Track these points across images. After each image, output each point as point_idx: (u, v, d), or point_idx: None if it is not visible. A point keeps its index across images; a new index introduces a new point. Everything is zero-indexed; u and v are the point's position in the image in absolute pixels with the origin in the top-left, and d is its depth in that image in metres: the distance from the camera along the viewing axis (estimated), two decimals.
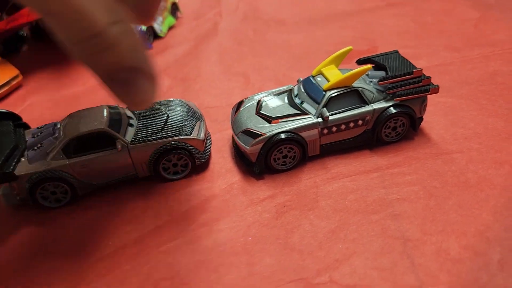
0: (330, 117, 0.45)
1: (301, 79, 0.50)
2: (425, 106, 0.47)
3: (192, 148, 0.46)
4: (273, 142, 0.44)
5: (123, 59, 0.29)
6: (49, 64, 0.74)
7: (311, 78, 0.48)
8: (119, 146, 0.44)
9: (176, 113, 0.49)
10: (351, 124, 0.46)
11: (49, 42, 0.80)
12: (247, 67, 0.65)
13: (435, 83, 0.47)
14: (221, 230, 0.41)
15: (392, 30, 0.71)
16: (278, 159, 0.46)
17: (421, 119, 0.48)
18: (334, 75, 0.47)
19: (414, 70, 0.46)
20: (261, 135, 0.44)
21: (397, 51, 0.50)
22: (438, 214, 0.40)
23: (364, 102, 0.46)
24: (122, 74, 0.30)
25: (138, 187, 0.47)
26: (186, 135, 0.46)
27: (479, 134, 0.48)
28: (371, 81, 0.47)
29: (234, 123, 0.48)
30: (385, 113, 0.46)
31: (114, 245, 0.42)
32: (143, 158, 0.45)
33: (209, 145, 0.49)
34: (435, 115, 0.51)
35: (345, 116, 0.46)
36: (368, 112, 0.46)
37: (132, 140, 0.45)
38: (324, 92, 0.46)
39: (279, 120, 0.45)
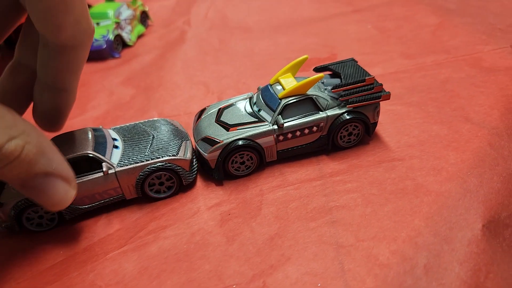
0: (285, 124, 0.47)
1: (261, 87, 0.51)
2: (378, 112, 0.49)
3: (179, 168, 0.46)
4: (230, 149, 0.46)
5: (30, 168, 0.32)
6: None
7: (268, 87, 0.50)
8: (106, 169, 0.44)
9: (162, 133, 0.49)
10: (306, 131, 0.48)
11: None
12: (208, 75, 0.67)
13: (387, 90, 0.49)
14: (167, 237, 0.43)
15: (353, 36, 0.72)
16: (236, 165, 0.47)
17: (375, 124, 0.50)
18: (289, 83, 0.49)
19: (366, 78, 0.48)
20: (218, 142, 0.46)
21: (352, 59, 0.52)
22: (373, 220, 0.42)
23: (318, 109, 0.48)
24: (34, 181, 0.32)
25: None
26: (173, 155, 0.46)
27: (422, 141, 0.50)
28: (325, 89, 0.49)
29: (195, 130, 0.49)
30: (338, 119, 0.48)
31: (65, 253, 0.43)
32: (130, 180, 0.45)
33: (195, 164, 0.49)
34: (383, 123, 0.53)
35: (300, 123, 0.48)
36: (322, 118, 0.48)
37: (118, 163, 0.45)
38: (279, 100, 0.47)
39: (237, 128, 0.47)
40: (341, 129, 0.48)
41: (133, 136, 0.49)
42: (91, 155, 0.44)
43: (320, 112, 0.48)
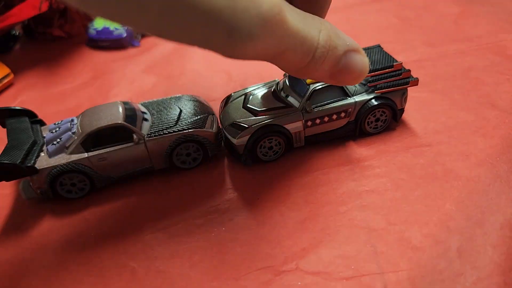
0: (314, 110, 0.47)
1: (287, 73, 0.51)
2: (405, 98, 0.49)
3: (205, 140, 0.48)
4: (259, 134, 0.46)
5: (336, 54, 0.32)
6: (39, 63, 0.75)
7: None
8: (136, 139, 0.46)
9: (189, 107, 0.51)
10: (334, 116, 0.48)
11: (40, 41, 0.82)
12: (230, 63, 0.66)
13: (415, 76, 0.49)
14: (196, 221, 0.43)
15: (374, 25, 0.72)
16: (264, 150, 0.47)
17: (402, 110, 0.50)
18: None
19: (394, 64, 0.48)
20: (247, 127, 0.46)
21: (379, 46, 0.52)
22: (404, 205, 0.42)
23: (346, 95, 0.48)
24: (339, 65, 0.33)
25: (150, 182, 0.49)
26: (200, 127, 0.48)
27: (449, 127, 0.49)
28: None
29: (223, 116, 0.49)
30: (366, 105, 0.48)
31: (96, 235, 0.44)
32: (159, 151, 0.48)
33: (220, 137, 0.50)
34: (409, 109, 0.53)
35: (328, 108, 0.47)
36: (350, 104, 0.48)
37: (148, 134, 0.47)
38: (308, 86, 0.47)
39: (265, 113, 0.47)
40: (369, 115, 0.48)
41: (161, 109, 0.51)
42: (122, 125, 0.46)
43: (348, 98, 0.48)
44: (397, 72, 0.47)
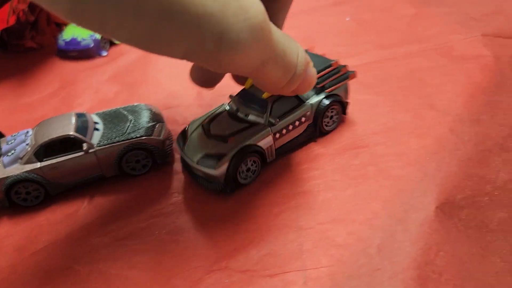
0: (279, 121, 0.48)
1: (233, 95, 0.52)
2: (347, 91, 0.53)
3: (153, 148, 0.51)
4: (238, 158, 0.46)
5: (306, 69, 0.37)
6: (10, 74, 0.78)
7: (247, 91, 0.50)
8: (86, 149, 0.49)
9: (139, 116, 0.54)
10: (297, 123, 0.50)
11: (13, 52, 0.84)
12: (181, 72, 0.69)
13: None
14: (141, 222, 0.46)
15: (332, 29, 0.74)
16: (244, 174, 0.47)
17: (347, 103, 0.53)
18: None
19: (331, 63, 0.51)
20: (225, 154, 0.45)
21: (307, 50, 0.54)
22: (333, 204, 0.44)
23: (300, 100, 0.51)
24: (306, 79, 0.37)
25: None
26: (148, 136, 0.51)
27: (387, 129, 0.52)
28: None
29: (187, 152, 0.48)
30: (321, 105, 0.51)
31: (47, 240, 0.46)
32: (108, 159, 0.50)
33: (169, 145, 0.53)
34: (353, 112, 0.55)
35: (291, 117, 0.49)
36: (307, 108, 0.51)
37: (98, 143, 0.50)
38: (265, 100, 0.48)
39: (234, 137, 0.47)
40: (325, 114, 0.51)
41: (113, 119, 0.54)
42: (72, 136, 0.49)
43: (304, 103, 0.50)
44: (337, 69, 0.51)
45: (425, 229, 0.41)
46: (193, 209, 0.46)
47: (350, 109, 0.54)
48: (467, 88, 0.56)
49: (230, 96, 0.52)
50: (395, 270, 0.38)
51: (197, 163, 0.46)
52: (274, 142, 0.49)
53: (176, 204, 0.48)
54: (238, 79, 0.48)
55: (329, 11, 0.79)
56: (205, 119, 0.50)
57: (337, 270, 0.38)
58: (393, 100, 0.56)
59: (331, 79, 0.51)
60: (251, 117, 0.49)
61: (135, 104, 0.56)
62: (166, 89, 0.66)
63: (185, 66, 0.69)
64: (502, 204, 0.47)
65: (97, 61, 0.77)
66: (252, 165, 0.47)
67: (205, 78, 0.44)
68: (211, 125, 0.49)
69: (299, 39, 0.72)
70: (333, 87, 0.51)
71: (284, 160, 0.50)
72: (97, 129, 0.52)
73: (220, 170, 0.45)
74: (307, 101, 0.50)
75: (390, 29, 0.70)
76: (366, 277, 0.38)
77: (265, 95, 0.48)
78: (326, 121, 0.52)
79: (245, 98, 0.50)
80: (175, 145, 0.53)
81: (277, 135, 0.49)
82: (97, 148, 0.50)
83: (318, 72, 0.50)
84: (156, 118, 0.54)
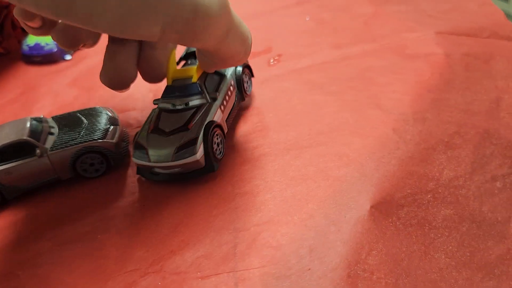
0: (217, 94, 0.51)
1: (157, 99, 0.52)
2: None
3: (107, 151, 0.52)
4: (210, 136, 0.47)
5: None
6: None
7: (173, 85, 0.51)
8: (39, 153, 0.50)
9: (94, 119, 0.55)
10: (229, 93, 0.53)
11: None
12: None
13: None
14: (85, 226, 0.47)
15: (291, 29, 0.75)
16: (217, 149, 0.49)
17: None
18: (188, 70, 0.51)
19: None
20: (196, 137, 0.46)
21: None
22: (271, 205, 0.45)
23: (222, 74, 0.54)
24: None
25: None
26: (101, 139, 0.52)
27: (332, 129, 0.52)
28: None
29: (156, 159, 0.47)
30: (237, 73, 0.55)
31: None
32: (62, 162, 0.51)
33: (124, 147, 0.55)
34: (300, 113, 0.55)
35: (224, 89, 0.52)
36: (230, 78, 0.54)
37: (51, 147, 0.51)
38: (197, 83, 0.50)
39: (191, 122, 0.48)
40: (243, 78, 0.55)
41: (68, 123, 0.55)
42: (25, 140, 0.50)
43: (225, 76, 0.54)
44: None
45: (358, 229, 0.42)
46: (136, 212, 0.47)
47: (299, 109, 0.55)
48: (415, 86, 0.57)
49: (156, 101, 0.52)
50: (324, 269, 0.39)
51: (173, 160, 0.46)
52: (222, 114, 0.51)
53: (122, 208, 0.48)
54: (150, 77, 0.52)
55: (291, 11, 0.80)
56: (149, 128, 0.49)
57: (267, 271, 0.39)
58: (341, 99, 0.56)
59: None
60: (193, 103, 0.50)
61: (92, 107, 0.58)
62: (124, 92, 0.66)
63: None
64: (446, 201, 0.48)
65: (60, 65, 0.78)
66: (217, 139, 0.49)
67: (118, 79, 0.49)
68: (160, 127, 0.49)
69: (257, 40, 0.73)
70: None
71: (228, 160, 0.51)
72: (51, 133, 0.53)
73: (199, 152, 0.46)
74: (226, 73, 0.54)
75: (347, 29, 0.71)
76: (295, 277, 0.39)
77: (194, 79, 0.50)
78: (245, 85, 0.56)
79: (174, 91, 0.50)
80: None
81: (222, 108, 0.51)
82: (50, 152, 0.50)
83: None
84: (111, 121, 0.55)
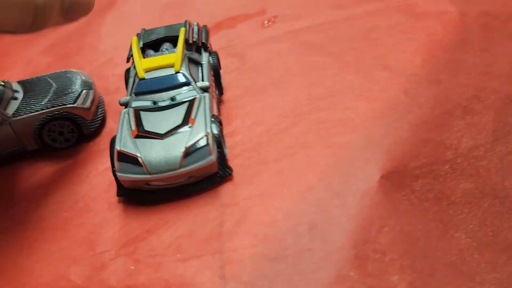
0: (206, 83, 0.42)
1: (122, 99, 0.43)
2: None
3: (78, 117, 0.46)
4: (217, 131, 0.38)
5: None
6: None
7: (148, 80, 0.41)
8: (0, 120, 0.44)
9: (63, 83, 0.48)
10: (212, 81, 0.45)
11: None
12: (128, 41, 0.63)
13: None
14: (48, 205, 0.40)
15: None
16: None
17: None
18: (165, 58, 0.42)
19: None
20: (205, 135, 0.37)
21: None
22: (265, 177, 0.39)
23: (197, 62, 0.46)
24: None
25: None
26: (70, 104, 0.45)
27: (333, 92, 0.46)
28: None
29: (151, 165, 0.36)
30: (212, 61, 0.47)
31: None
32: (27, 130, 0.45)
33: (99, 114, 0.48)
34: (296, 75, 0.49)
35: (207, 77, 0.44)
36: (206, 65, 0.46)
37: (13, 113, 0.45)
38: (179, 73, 0.41)
39: (191, 117, 0.38)
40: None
41: (35, 87, 0.48)
42: None
43: (202, 62, 0.46)
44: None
45: (366, 202, 0.36)
46: (110, 188, 0.41)
47: (294, 71, 0.49)
48: (427, 46, 0.50)
49: (124, 100, 0.42)
50: (327, 250, 0.33)
51: (183, 166, 0.36)
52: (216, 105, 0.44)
53: (94, 183, 0.42)
54: None
55: None
56: (130, 133, 0.38)
57: (259, 252, 0.33)
58: (343, 61, 0.50)
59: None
60: (180, 96, 0.40)
61: (64, 70, 0.51)
62: (102, 58, 0.60)
63: (127, 34, 0.63)
64: (466, 173, 0.42)
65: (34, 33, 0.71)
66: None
67: None
68: (148, 129, 0.38)
69: (251, 2, 0.67)
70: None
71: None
72: (15, 98, 0.47)
73: (214, 152, 0.37)
74: (202, 60, 0.46)
75: None
76: (292, 259, 0.33)
77: (176, 69, 0.41)
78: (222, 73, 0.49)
79: (151, 86, 0.41)
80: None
81: (213, 95, 0.44)
82: (13, 119, 0.44)
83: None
84: (85, 85, 0.48)
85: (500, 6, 0.58)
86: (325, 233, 0.34)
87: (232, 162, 0.40)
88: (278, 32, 0.58)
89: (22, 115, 0.45)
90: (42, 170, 0.45)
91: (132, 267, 0.33)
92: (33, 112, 0.45)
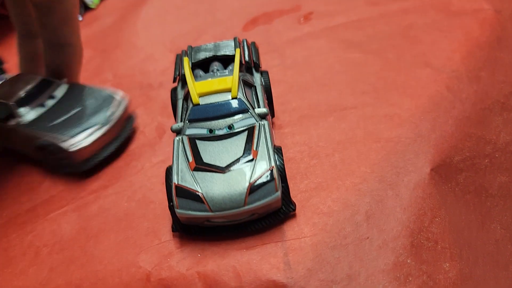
0: (264, 109, 0.39)
1: (176, 126, 0.38)
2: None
3: (62, 157, 0.45)
4: (280, 165, 0.35)
5: None
6: None
7: (202, 106, 0.38)
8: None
9: (86, 109, 0.47)
10: (266, 103, 0.42)
11: None
12: (168, 34, 0.64)
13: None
14: (108, 196, 0.42)
15: None
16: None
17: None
18: (221, 82, 0.39)
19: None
20: (270, 169, 0.34)
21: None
22: (318, 171, 0.40)
23: (250, 84, 0.42)
24: None
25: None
26: (63, 142, 0.43)
27: (377, 88, 0.48)
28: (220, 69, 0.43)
29: (213, 202, 0.33)
30: (264, 81, 0.44)
31: (7, 215, 0.42)
32: (28, 143, 0.46)
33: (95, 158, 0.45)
34: (339, 71, 0.51)
35: (262, 101, 0.41)
36: (260, 88, 0.43)
37: (29, 121, 0.46)
38: (237, 98, 0.38)
39: (253, 149, 0.35)
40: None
41: (63, 102, 0.47)
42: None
43: (254, 85, 0.42)
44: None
45: (419, 194, 0.37)
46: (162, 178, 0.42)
47: (337, 68, 0.50)
48: (465, 44, 0.52)
49: (176, 126, 0.38)
50: (384, 238, 0.35)
51: (247, 204, 0.33)
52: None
53: (148, 174, 0.44)
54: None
55: None
56: (188, 164, 0.35)
57: (320, 240, 0.35)
58: (383, 58, 0.51)
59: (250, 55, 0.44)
60: (239, 124, 0.37)
61: (103, 90, 0.49)
62: (142, 53, 0.62)
63: (163, 28, 0.64)
64: (502, 167, 0.44)
65: None
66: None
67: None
68: (207, 161, 0.35)
69: None
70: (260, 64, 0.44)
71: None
72: (52, 97, 0.48)
73: (279, 188, 0.34)
74: (255, 83, 0.43)
75: None
76: (352, 247, 0.34)
77: (233, 94, 0.38)
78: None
79: (207, 113, 0.38)
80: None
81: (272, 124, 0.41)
82: (18, 126, 0.46)
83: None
84: (103, 119, 0.46)
85: None
86: (381, 222, 0.35)
87: (284, 155, 0.42)
88: (316, 28, 0.59)
89: (30, 127, 0.45)
90: (93, 173, 0.46)
91: (199, 255, 0.35)
92: (37, 131, 0.44)
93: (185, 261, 0.35)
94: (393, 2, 0.62)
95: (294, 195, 0.38)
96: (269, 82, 0.44)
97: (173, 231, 0.36)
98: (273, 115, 0.45)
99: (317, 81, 0.50)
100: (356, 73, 0.50)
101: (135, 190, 0.42)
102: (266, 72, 0.44)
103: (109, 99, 0.47)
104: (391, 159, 0.40)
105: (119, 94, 0.48)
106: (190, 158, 0.35)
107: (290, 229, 0.36)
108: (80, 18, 0.72)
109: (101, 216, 0.40)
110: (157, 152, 0.46)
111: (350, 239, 0.34)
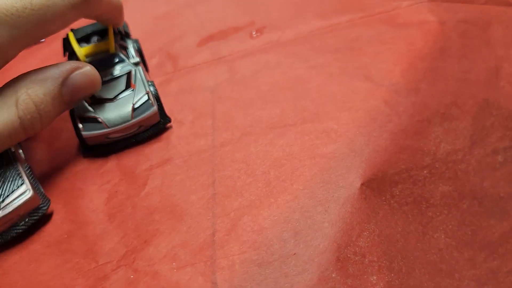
0: (137, 59, 0.52)
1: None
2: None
3: None
4: (155, 91, 0.48)
5: (53, 92, 0.41)
6: None
7: (91, 62, 0.50)
8: None
9: None
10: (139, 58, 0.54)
11: None
12: None
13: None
14: (50, 221, 0.43)
15: (274, 2, 0.70)
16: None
17: None
18: (100, 45, 0.51)
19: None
20: (147, 92, 0.47)
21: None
22: (253, 188, 0.41)
23: (125, 46, 0.54)
24: (68, 93, 0.42)
25: None
26: None
27: (317, 104, 0.49)
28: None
29: (109, 121, 0.46)
30: (135, 45, 0.56)
31: None
32: None
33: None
34: (282, 88, 0.52)
35: (136, 55, 0.53)
36: (131, 48, 0.55)
37: None
38: (115, 53, 0.51)
39: (132, 83, 0.48)
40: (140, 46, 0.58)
41: None
42: None
43: (127, 47, 0.55)
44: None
45: (347, 209, 0.38)
46: (108, 199, 0.44)
47: (282, 84, 0.52)
48: (407, 56, 0.53)
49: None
50: (311, 253, 0.36)
51: (133, 118, 0.46)
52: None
53: (92, 196, 0.45)
54: None
55: None
56: (84, 102, 0.47)
57: (248, 258, 0.36)
58: (327, 72, 0.52)
59: None
60: (119, 71, 0.50)
61: None
62: None
63: None
64: (444, 177, 0.45)
65: (33, 47, 0.74)
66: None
67: None
68: (99, 97, 0.47)
69: (239, 13, 0.69)
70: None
71: (207, 141, 0.47)
72: None
73: (155, 104, 0.47)
74: (128, 45, 0.55)
75: None
76: (279, 263, 0.35)
77: (111, 50, 0.50)
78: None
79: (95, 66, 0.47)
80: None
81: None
82: None
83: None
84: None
85: (478, 13, 0.60)
86: (308, 238, 0.36)
87: (223, 173, 0.43)
88: (266, 42, 0.60)
89: None
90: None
91: (132, 276, 0.36)
92: None
93: (118, 283, 0.36)
94: (342, 15, 0.63)
95: (228, 213, 0.39)
96: (140, 45, 0.57)
97: (83, 153, 0.48)
98: (147, 70, 0.58)
99: (262, 97, 0.51)
100: (299, 89, 0.51)
101: (77, 213, 0.43)
102: (137, 40, 0.57)
103: None
104: (323, 175, 0.41)
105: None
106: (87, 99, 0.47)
107: (221, 248, 0.37)
108: (43, 39, 0.73)
109: (43, 240, 0.41)
110: (99, 172, 0.46)
111: (277, 255, 0.36)
